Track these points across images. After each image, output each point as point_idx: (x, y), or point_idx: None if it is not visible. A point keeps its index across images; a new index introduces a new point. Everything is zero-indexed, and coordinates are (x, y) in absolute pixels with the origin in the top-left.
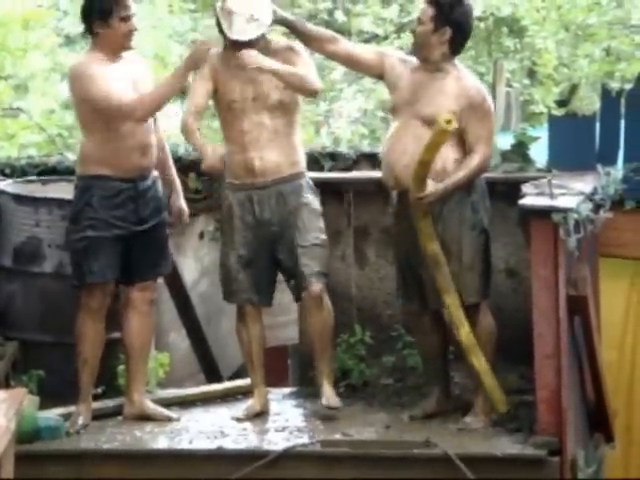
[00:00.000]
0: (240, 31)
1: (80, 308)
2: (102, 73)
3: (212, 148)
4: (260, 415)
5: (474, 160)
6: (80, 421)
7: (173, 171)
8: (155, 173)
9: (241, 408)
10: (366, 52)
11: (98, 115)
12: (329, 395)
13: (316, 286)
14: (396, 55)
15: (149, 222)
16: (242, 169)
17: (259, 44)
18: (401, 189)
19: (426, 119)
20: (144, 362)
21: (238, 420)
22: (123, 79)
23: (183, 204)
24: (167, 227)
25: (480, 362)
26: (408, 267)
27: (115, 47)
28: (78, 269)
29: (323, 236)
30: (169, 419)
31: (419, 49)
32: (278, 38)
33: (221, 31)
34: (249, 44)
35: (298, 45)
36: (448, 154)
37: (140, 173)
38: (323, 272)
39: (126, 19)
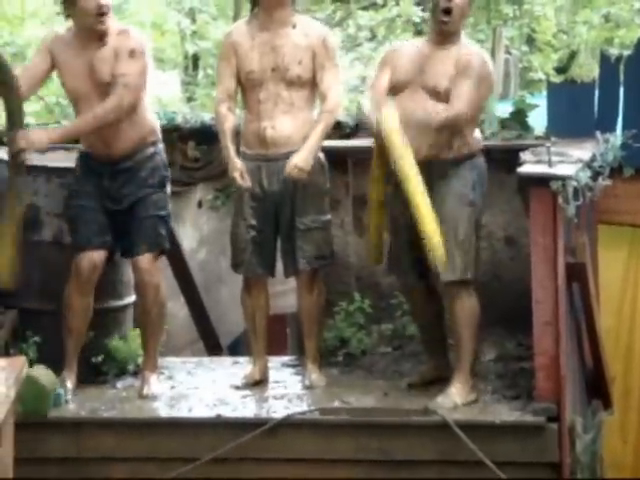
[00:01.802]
0: None
1: (70, 278)
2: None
3: (239, 167)
4: (259, 384)
5: (445, 111)
6: (69, 385)
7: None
8: (147, 151)
9: (241, 376)
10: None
11: None
12: (313, 376)
13: (307, 271)
14: (390, 52)
15: (126, 202)
16: (255, 138)
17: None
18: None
19: (430, 90)
20: (150, 339)
21: (237, 388)
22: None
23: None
24: (159, 205)
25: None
26: (399, 238)
27: (87, 28)
28: (70, 235)
29: (324, 217)
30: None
31: (454, 25)
32: (310, 19)
33: None
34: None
35: (331, 39)
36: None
37: (109, 158)
38: (318, 255)
39: None
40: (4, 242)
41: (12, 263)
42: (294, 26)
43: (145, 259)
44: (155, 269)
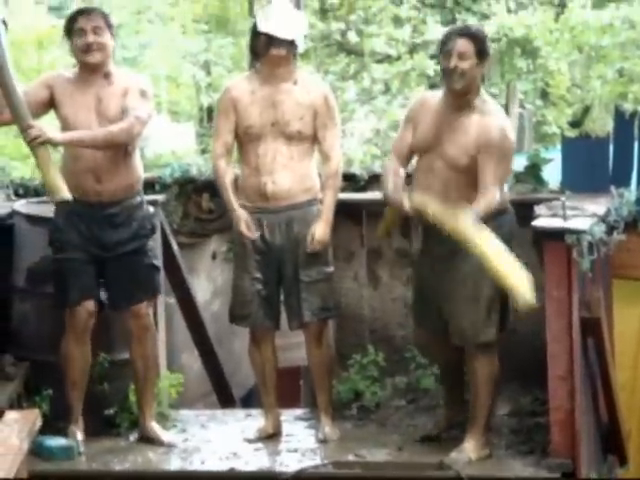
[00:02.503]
0: (277, 27)
1: (65, 331)
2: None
3: (245, 218)
4: (272, 437)
5: (485, 199)
6: (79, 437)
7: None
8: (136, 199)
9: (254, 429)
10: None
11: None
12: (326, 429)
13: (314, 324)
14: (416, 106)
15: (119, 250)
16: (255, 192)
17: (291, 59)
18: (426, 224)
19: (449, 161)
20: (150, 386)
21: (250, 441)
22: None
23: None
24: (151, 253)
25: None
26: (425, 297)
27: (80, 63)
28: (59, 289)
29: (328, 269)
30: (167, 444)
31: (466, 84)
32: (310, 73)
33: (252, 52)
34: (284, 53)
35: (333, 97)
36: (470, 195)
37: (98, 199)
38: (324, 306)
39: (82, 33)
40: (43, 164)
41: (57, 178)
42: (295, 82)
43: (144, 306)
44: (151, 315)
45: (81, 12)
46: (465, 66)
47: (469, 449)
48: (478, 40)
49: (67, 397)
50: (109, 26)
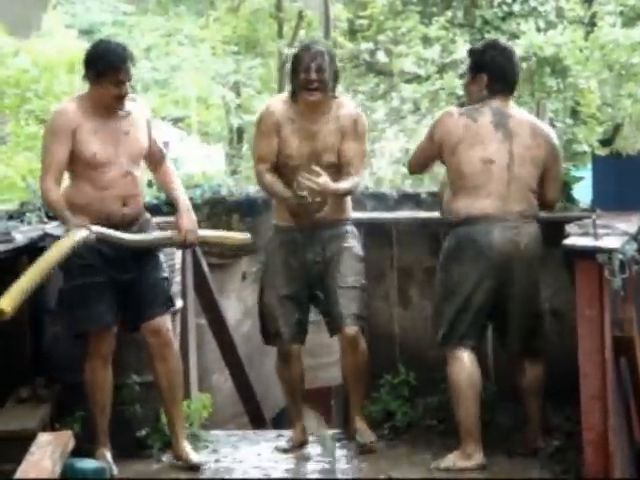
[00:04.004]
0: (311, 76)
1: (87, 356)
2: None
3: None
4: (300, 447)
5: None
6: (110, 459)
7: (177, 190)
8: (146, 215)
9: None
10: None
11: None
12: (363, 431)
13: (352, 328)
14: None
15: (137, 267)
16: (288, 213)
17: (327, 95)
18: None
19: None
20: (177, 404)
21: (284, 451)
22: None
23: (185, 222)
24: (162, 267)
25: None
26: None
27: (104, 105)
28: (73, 318)
29: (363, 280)
30: (194, 465)
31: (467, 100)
32: (344, 98)
33: (294, 73)
34: (319, 98)
35: (361, 119)
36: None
37: (122, 221)
38: (360, 315)
39: (118, 83)
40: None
41: (22, 293)
42: (329, 111)
43: (164, 320)
44: (171, 332)
45: (122, 61)
46: (464, 83)
47: (448, 458)
48: (472, 55)
49: (95, 421)
50: (131, 69)
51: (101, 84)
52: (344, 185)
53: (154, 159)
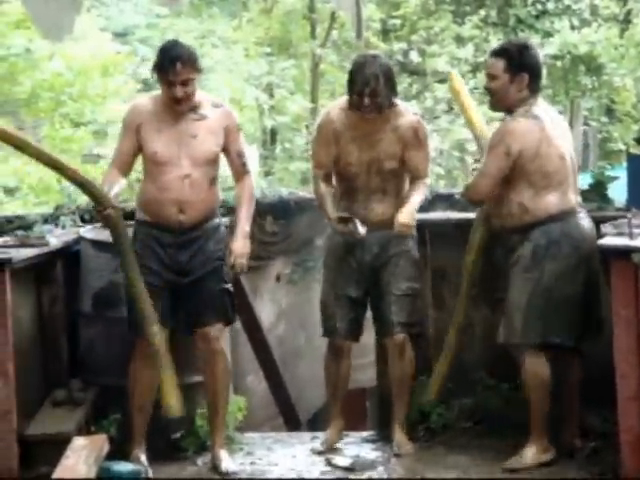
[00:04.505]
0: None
1: (134, 354)
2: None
3: (342, 223)
4: (336, 448)
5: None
6: (144, 462)
7: (242, 212)
8: (214, 222)
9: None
10: None
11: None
12: (400, 442)
13: (400, 335)
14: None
15: (196, 273)
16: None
17: (384, 109)
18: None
19: None
20: (218, 411)
21: (316, 453)
22: (163, 135)
23: (237, 247)
24: (225, 277)
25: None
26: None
27: (168, 105)
28: (129, 316)
29: (417, 285)
30: (224, 474)
31: (499, 103)
32: (403, 106)
33: (349, 91)
34: (374, 114)
35: (422, 125)
36: (512, 198)
37: (180, 226)
38: (410, 322)
39: (170, 85)
40: (166, 370)
41: (175, 388)
42: (388, 120)
43: (216, 329)
44: (223, 337)
45: (171, 62)
46: (494, 85)
47: (527, 455)
48: (507, 56)
49: (132, 421)
50: (198, 69)
51: (161, 84)
52: (414, 203)
53: (234, 171)
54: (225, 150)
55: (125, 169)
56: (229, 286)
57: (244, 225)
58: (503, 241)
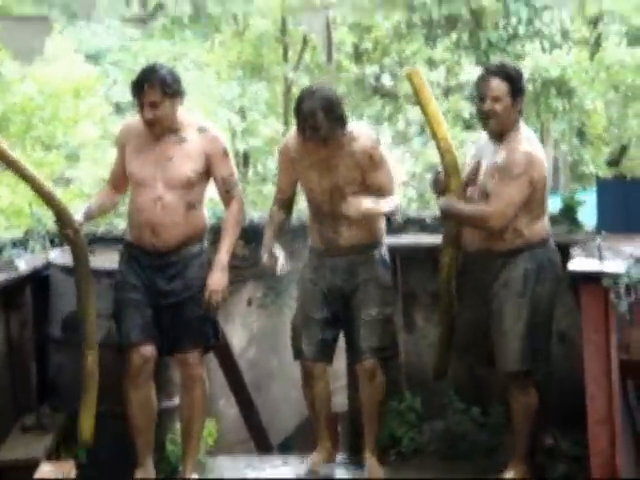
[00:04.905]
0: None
1: (125, 374)
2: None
3: (269, 255)
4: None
5: (480, 208)
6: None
7: (223, 242)
8: (194, 248)
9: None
10: None
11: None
12: (371, 467)
13: (369, 362)
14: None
15: (175, 298)
16: (319, 238)
17: (334, 135)
18: (466, 253)
19: (480, 189)
20: (192, 437)
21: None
22: (142, 157)
23: (212, 279)
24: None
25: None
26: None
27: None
28: (117, 330)
29: (387, 310)
30: None
31: (498, 126)
32: (357, 130)
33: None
34: (321, 142)
35: (376, 149)
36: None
37: (154, 249)
38: (381, 347)
39: (142, 107)
40: (88, 398)
41: (92, 421)
42: (343, 146)
43: (193, 354)
44: (202, 364)
45: (139, 83)
46: (498, 107)
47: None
48: (510, 79)
49: (132, 441)
50: (169, 93)
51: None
52: (382, 202)
53: (220, 197)
54: (211, 175)
55: (119, 187)
56: (211, 312)
57: (223, 256)
58: (480, 264)
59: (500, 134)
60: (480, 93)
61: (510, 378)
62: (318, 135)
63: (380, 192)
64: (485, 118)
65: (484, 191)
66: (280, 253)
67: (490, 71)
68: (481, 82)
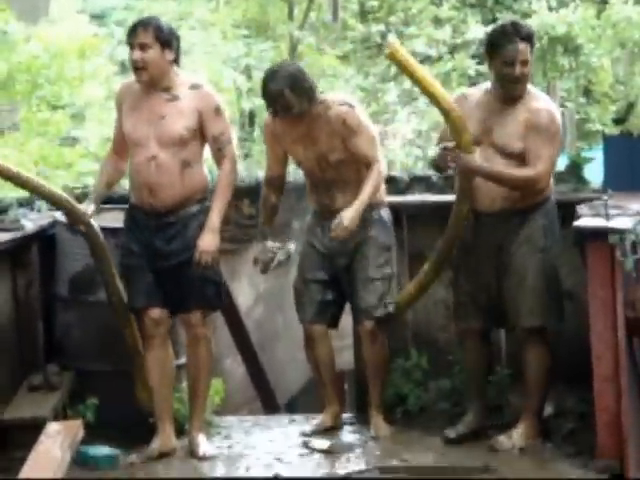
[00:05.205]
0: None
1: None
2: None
3: (262, 250)
4: (331, 430)
5: (525, 171)
6: (154, 445)
7: (212, 208)
8: (192, 208)
9: (297, 433)
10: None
11: None
12: (377, 425)
13: (369, 322)
14: (459, 98)
15: (175, 259)
16: (315, 202)
17: (310, 112)
18: (479, 213)
19: (500, 149)
20: (197, 395)
21: (306, 435)
22: (134, 114)
23: (202, 240)
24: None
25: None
26: (476, 284)
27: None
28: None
29: (386, 270)
30: (200, 458)
31: (524, 88)
32: (329, 98)
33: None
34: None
35: (351, 113)
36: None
37: (152, 209)
38: (380, 305)
39: (130, 48)
40: (139, 371)
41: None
42: (318, 117)
43: (196, 315)
44: (206, 324)
45: (133, 26)
46: (527, 71)
47: (517, 436)
48: (533, 42)
49: (149, 407)
50: (161, 39)
51: None
52: (359, 203)
53: (212, 156)
54: (203, 133)
55: (123, 152)
56: (212, 274)
57: (214, 218)
58: (495, 225)
59: (519, 96)
60: (508, 57)
61: (528, 334)
62: (292, 113)
63: (363, 160)
64: (515, 82)
65: (508, 151)
66: (276, 246)
67: (519, 35)
68: (508, 46)
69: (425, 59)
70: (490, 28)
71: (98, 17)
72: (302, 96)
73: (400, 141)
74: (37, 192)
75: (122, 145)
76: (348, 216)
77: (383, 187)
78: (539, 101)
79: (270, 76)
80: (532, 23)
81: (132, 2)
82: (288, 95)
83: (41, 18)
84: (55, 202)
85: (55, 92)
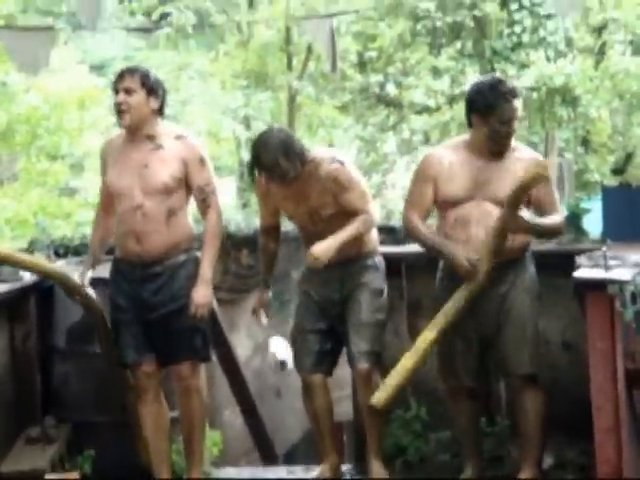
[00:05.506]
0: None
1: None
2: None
3: (260, 300)
4: None
5: (557, 217)
6: None
7: (202, 260)
8: (179, 258)
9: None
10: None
11: None
12: (376, 471)
13: (363, 366)
14: (436, 155)
15: (162, 310)
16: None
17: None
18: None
19: (500, 201)
20: (193, 447)
21: None
22: (119, 163)
23: (196, 293)
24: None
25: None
26: (448, 343)
27: (128, 136)
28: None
29: (379, 316)
30: None
31: (508, 142)
32: (318, 155)
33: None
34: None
35: (342, 170)
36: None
37: (139, 259)
38: (373, 351)
39: (116, 93)
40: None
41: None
42: (309, 176)
43: (186, 366)
44: (197, 374)
45: (119, 72)
46: (516, 127)
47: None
48: (518, 97)
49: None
50: (147, 86)
51: None
52: (338, 237)
53: (197, 206)
54: (188, 183)
55: (111, 208)
56: (201, 324)
57: (205, 270)
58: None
59: (507, 150)
60: (505, 116)
61: (524, 382)
62: (288, 179)
63: (354, 213)
64: (507, 137)
65: (501, 201)
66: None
67: (513, 94)
68: (505, 105)
69: (424, 109)
70: (474, 87)
71: (98, 68)
72: (295, 161)
73: (399, 191)
74: (32, 271)
75: (110, 202)
76: (317, 247)
77: (376, 237)
78: (526, 151)
79: (262, 147)
80: (530, 74)
81: (131, 53)
82: (283, 163)
83: (42, 69)
84: (50, 277)
85: (54, 142)
